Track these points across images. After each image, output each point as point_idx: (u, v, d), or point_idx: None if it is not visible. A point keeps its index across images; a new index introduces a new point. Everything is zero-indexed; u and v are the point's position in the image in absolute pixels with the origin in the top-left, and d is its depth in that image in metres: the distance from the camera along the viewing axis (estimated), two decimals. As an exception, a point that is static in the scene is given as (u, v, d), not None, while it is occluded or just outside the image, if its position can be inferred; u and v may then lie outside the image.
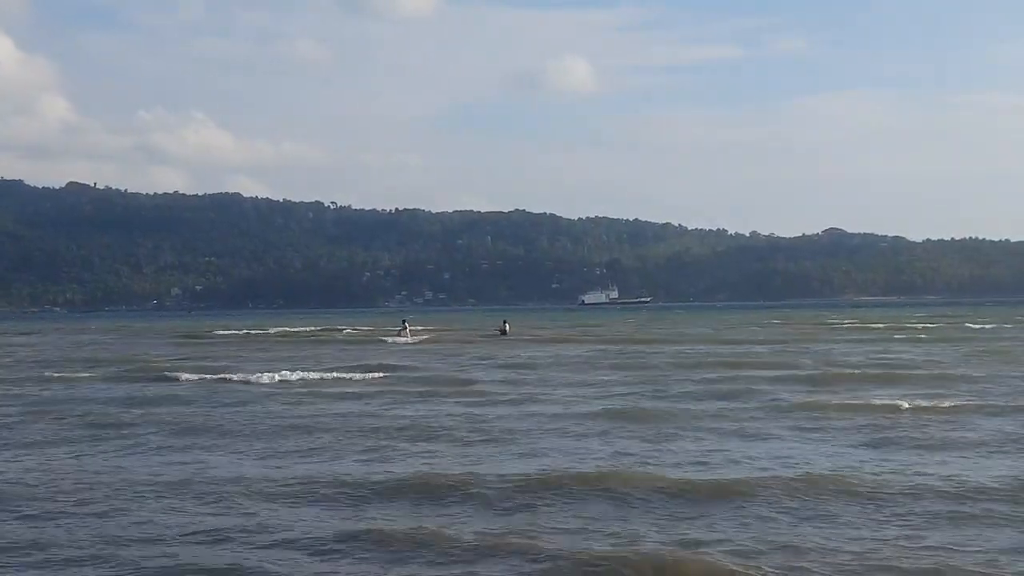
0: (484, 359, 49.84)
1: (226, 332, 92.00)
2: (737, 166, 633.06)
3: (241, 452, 21.18)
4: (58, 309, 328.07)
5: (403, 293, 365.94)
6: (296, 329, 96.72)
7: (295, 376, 38.24)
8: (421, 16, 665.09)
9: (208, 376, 39.36)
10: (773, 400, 29.03)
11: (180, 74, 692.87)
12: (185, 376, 39.36)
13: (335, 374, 39.62)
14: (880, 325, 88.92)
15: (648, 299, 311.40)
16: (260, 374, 38.73)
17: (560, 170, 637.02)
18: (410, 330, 72.55)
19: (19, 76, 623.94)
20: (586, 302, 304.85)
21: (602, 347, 59.34)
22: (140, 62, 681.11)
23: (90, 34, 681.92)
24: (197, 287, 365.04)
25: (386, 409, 28.19)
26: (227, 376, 38.93)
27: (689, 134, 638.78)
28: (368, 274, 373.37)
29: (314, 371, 40.52)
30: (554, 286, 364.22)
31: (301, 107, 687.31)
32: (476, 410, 27.49)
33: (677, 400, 29.62)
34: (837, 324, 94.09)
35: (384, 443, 21.86)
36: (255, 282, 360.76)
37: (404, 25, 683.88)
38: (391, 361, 46.91)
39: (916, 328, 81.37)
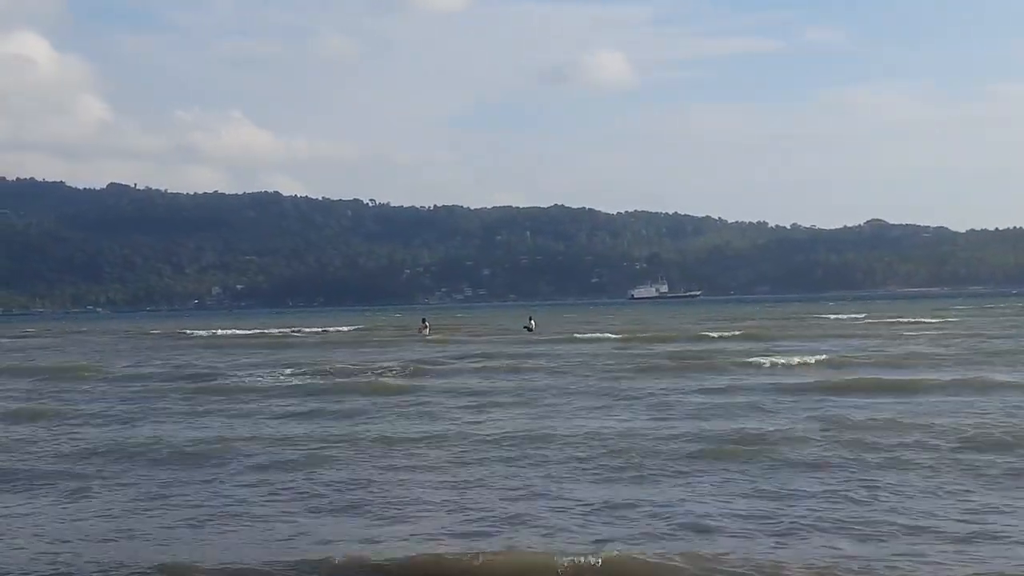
0: (463, 356, 46.30)
1: (240, 332, 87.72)
2: (776, 158, 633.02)
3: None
4: (100, 310, 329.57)
5: (443, 290, 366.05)
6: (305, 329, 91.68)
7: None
8: (452, 11, 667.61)
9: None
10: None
11: (216, 73, 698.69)
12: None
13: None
14: None
15: (699, 293, 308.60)
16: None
17: (598, 165, 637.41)
18: (430, 328, 70.97)
19: (55, 76, 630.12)
20: (635, 296, 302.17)
21: (625, 343, 55.16)
22: (175, 62, 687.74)
23: (125, 34, 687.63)
24: (238, 286, 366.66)
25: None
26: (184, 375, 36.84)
27: (727, 126, 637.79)
28: (408, 271, 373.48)
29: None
30: (594, 281, 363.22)
31: (335, 105, 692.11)
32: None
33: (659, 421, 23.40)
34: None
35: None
36: (296, 280, 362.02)
37: (435, 20, 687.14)
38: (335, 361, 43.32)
39: None
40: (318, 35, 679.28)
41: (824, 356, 39.98)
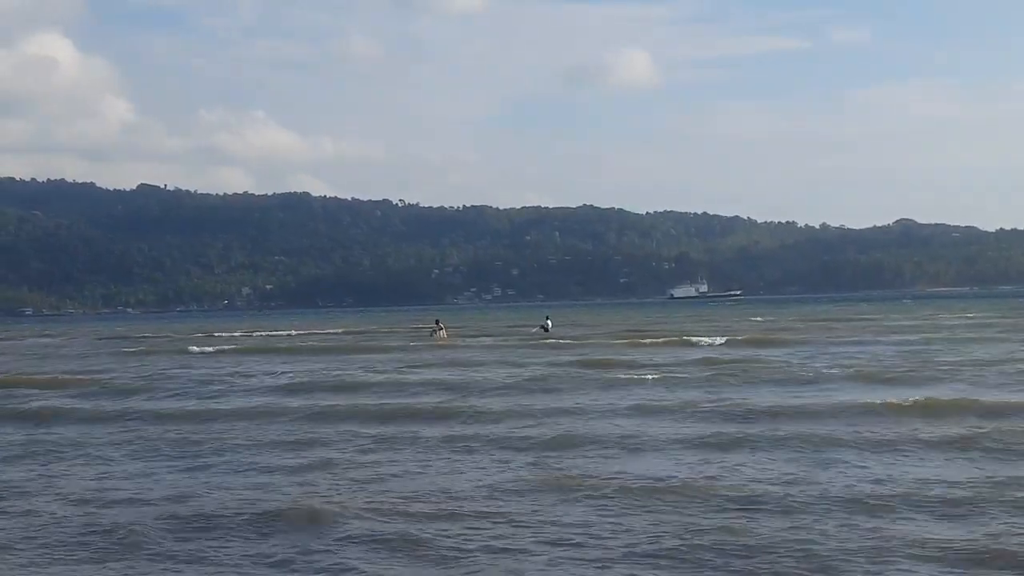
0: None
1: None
2: (805, 158, 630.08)
3: None
4: (131, 310, 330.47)
5: (472, 290, 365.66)
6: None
7: None
8: (475, 11, 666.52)
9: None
10: None
11: (239, 74, 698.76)
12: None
13: None
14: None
15: (739, 292, 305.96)
16: None
17: (626, 164, 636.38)
18: (445, 330, 67.09)
19: (81, 78, 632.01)
20: (675, 296, 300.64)
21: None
22: (199, 63, 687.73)
23: (148, 36, 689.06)
24: (267, 286, 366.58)
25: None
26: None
27: (754, 126, 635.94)
28: (437, 271, 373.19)
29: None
30: (623, 281, 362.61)
31: (359, 105, 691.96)
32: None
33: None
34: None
35: None
36: (324, 281, 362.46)
37: (458, 20, 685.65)
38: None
39: None
40: (342, 36, 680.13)
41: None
